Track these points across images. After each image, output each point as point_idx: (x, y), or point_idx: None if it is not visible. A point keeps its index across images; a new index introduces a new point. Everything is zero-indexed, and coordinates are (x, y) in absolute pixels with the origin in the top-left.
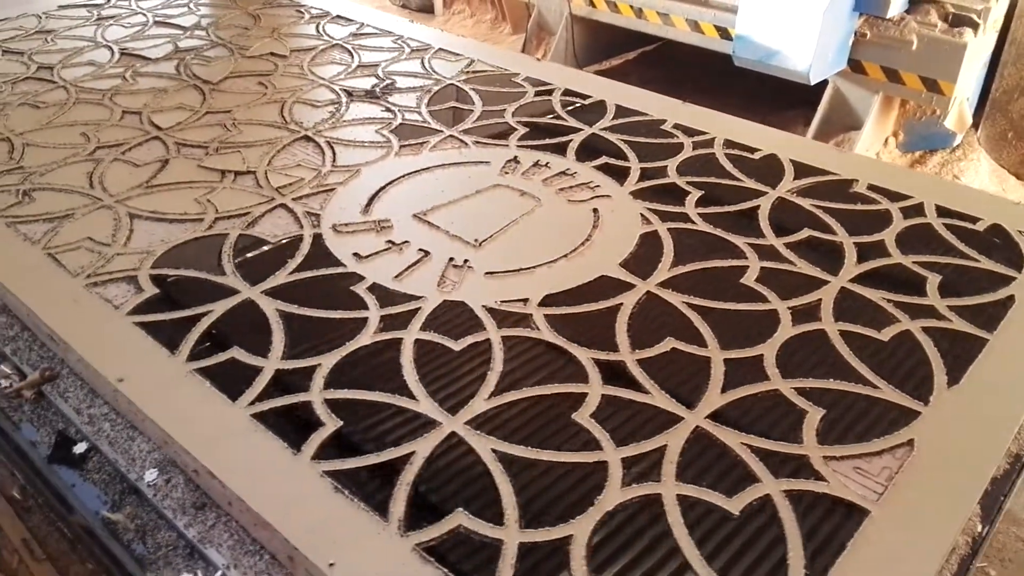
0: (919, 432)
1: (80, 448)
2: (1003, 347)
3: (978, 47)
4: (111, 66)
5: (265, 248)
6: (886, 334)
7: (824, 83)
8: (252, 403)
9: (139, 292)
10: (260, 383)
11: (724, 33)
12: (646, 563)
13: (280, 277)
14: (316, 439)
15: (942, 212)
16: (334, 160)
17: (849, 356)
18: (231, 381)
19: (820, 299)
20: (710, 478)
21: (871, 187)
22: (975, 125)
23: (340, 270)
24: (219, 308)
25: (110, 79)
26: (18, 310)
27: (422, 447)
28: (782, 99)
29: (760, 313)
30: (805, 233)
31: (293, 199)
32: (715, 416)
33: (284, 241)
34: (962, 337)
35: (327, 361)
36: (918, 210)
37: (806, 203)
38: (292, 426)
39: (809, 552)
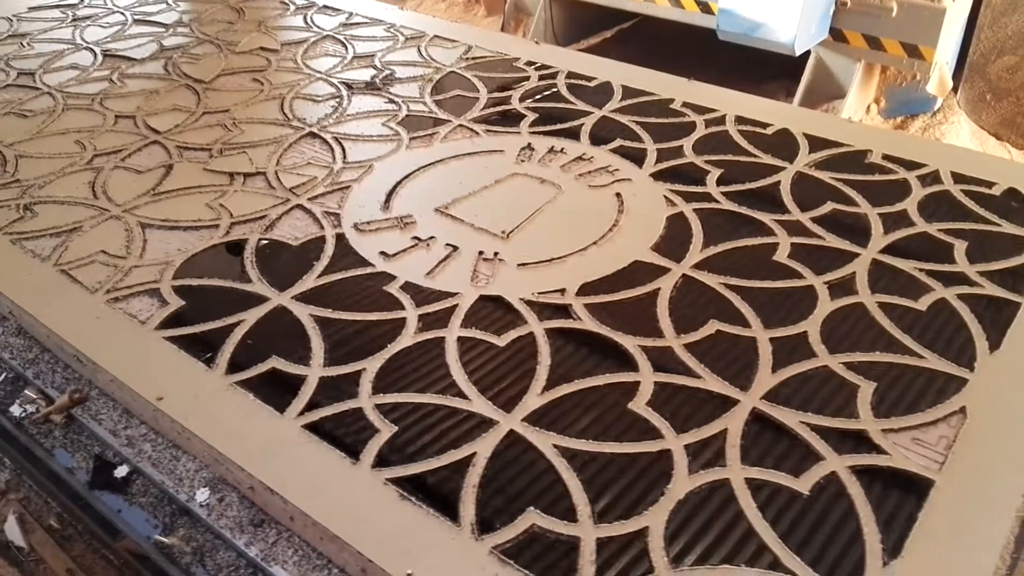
0: (970, 399)
1: (122, 471)
2: None
3: (956, 11)
4: (96, 69)
5: (288, 251)
6: (923, 303)
7: (806, 53)
8: (301, 413)
9: (164, 305)
10: (306, 392)
11: (705, 7)
12: (723, 549)
13: (308, 281)
14: (373, 446)
15: (958, 178)
16: (344, 156)
17: (891, 327)
18: (274, 392)
19: (854, 272)
20: (773, 459)
21: (886, 157)
22: (954, 88)
23: (369, 270)
24: (251, 317)
25: (96, 83)
26: (36, 331)
27: (482, 447)
28: (762, 70)
29: (797, 290)
30: (829, 207)
31: (309, 199)
32: (770, 396)
33: (306, 243)
34: (996, 302)
35: (371, 365)
36: (935, 178)
37: (825, 176)
38: (344, 434)
39: (881, 525)
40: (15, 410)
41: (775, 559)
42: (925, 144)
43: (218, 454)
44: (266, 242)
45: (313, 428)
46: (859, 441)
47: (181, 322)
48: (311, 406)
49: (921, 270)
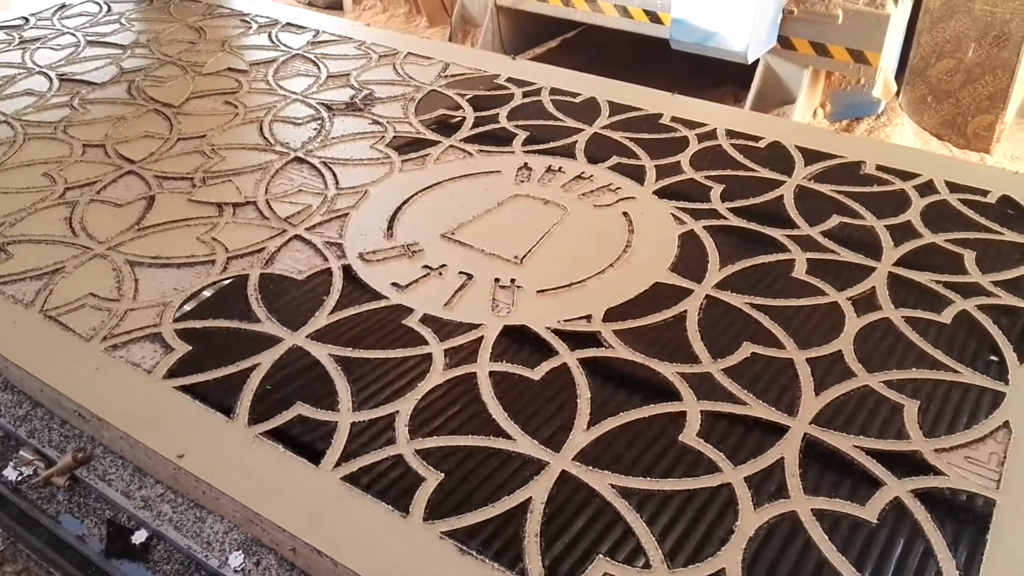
0: (1012, 413)
1: (140, 537)
2: None
3: (898, 17)
4: (53, 95)
5: (293, 286)
6: (946, 316)
7: (755, 61)
8: (338, 464)
9: (169, 351)
10: (339, 441)
11: (654, 17)
12: None
13: (321, 318)
14: (421, 497)
15: (953, 188)
16: (337, 182)
17: (920, 342)
18: (304, 442)
19: (874, 286)
20: (831, 485)
21: (879, 167)
22: (897, 92)
23: (384, 303)
24: (266, 360)
25: (56, 109)
26: (26, 385)
27: (537, 491)
28: (707, 78)
29: (821, 306)
30: (835, 220)
31: (307, 229)
32: (818, 420)
33: (312, 276)
34: (1015, 312)
35: (404, 407)
36: (930, 187)
37: (825, 189)
38: (388, 485)
39: (953, 548)
40: (9, 473)
41: None
42: (915, 154)
43: (252, 514)
44: (268, 276)
45: (353, 479)
46: (914, 463)
47: (190, 369)
48: (347, 455)
49: (937, 282)
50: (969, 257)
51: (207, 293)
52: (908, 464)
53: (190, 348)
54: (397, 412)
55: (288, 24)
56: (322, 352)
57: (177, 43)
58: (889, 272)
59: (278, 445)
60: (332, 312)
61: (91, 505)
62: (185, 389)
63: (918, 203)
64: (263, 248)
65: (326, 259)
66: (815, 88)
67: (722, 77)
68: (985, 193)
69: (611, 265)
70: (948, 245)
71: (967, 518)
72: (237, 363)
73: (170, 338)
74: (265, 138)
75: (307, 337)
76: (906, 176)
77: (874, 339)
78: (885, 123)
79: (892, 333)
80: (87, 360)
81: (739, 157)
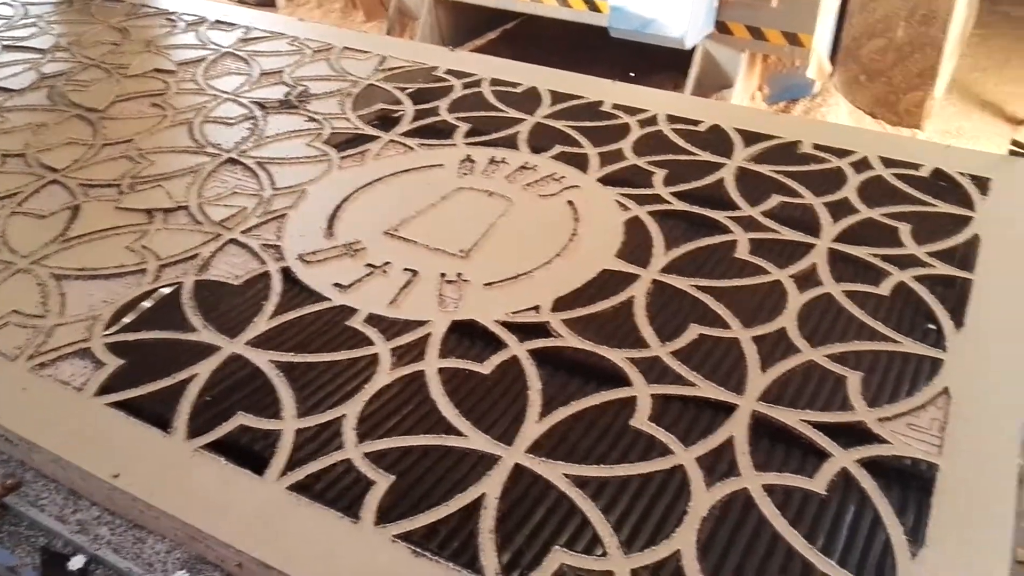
0: (950, 379)
1: (77, 563)
2: (988, 284)
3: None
4: None
5: (230, 292)
6: (885, 288)
7: (693, 47)
8: (284, 473)
9: (100, 367)
10: (284, 449)
11: (593, 6)
12: (754, 559)
13: (261, 323)
14: (372, 501)
15: (887, 163)
16: (273, 182)
17: (861, 315)
18: (247, 453)
19: (815, 263)
20: (781, 460)
21: (816, 146)
22: (831, 72)
23: (326, 305)
24: (203, 370)
25: None
26: None
27: (490, 487)
28: (646, 64)
29: (765, 285)
30: (776, 200)
31: (243, 232)
32: (766, 397)
33: (249, 281)
34: (949, 280)
35: (351, 410)
36: (865, 163)
37: (765, 169)
38: (337, 491)
39: (900, 514)
40: None
41: (807, 563)
42: (850, 131)
43: (194, 531)
44: (203, 283)
45: (300, 488)
46: (859, 433)
47: (123, 384)
48: (293, 464)
49: (875, 255)
50: (904, 230)
51: (139, 304)
52: (853, 435)
53: (122, 362)
54: (344, 416)
55: (217, 22)
56: (263, 359)
57: (100, 45)
58: (829, 248)
59: (220, 458)
60: (272, 317)
61: (23, 533)
62: (119, 405)
63: (854, 179)
64: (197, 254)
65: (264, 262)
66: (752, 71)
67: (661, 64)
68: (917, 167)
69: (558, 255)
70: (884, 219)
71: (912, 484)
72: (173, 375)
73: (101, 353)
74: (196, 140)
75: (246, 344)
76: (842, 154)
77: (816, 314)
78: (820, 103)
79: (833, 308)
80: (13, 381)
81: (680, 142)
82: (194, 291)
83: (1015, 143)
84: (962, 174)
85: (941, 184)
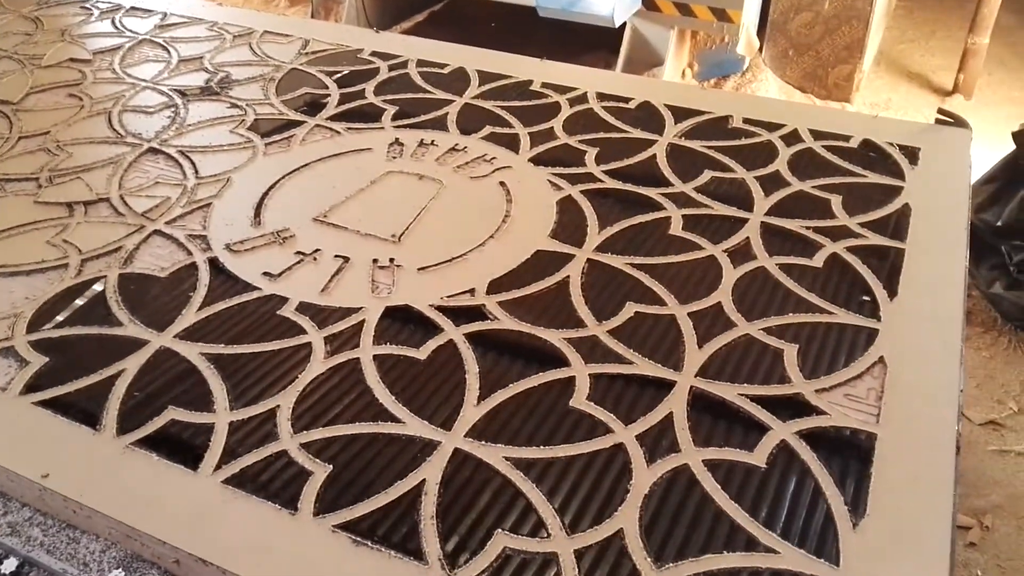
0: (885, 348)
1: (9, 566)
2: (920, 253)
3: None
4: None
5: (156, 284)
6: (818, 260)
7: (622, 24)
8: (218, 467)
9: (24, 365)
10: (217, 443)
11: None
12: (698, 536)
13: (189, 315)
14: (310, 491)
15: (817, 135)
16: (196, 171)
17: (796, 287)
18: (180, 447)
19: (748, 237)
20: (721, 435)
21: (746, 120)
22: (760, 48)
23: (256, 294)
24: (131, 365)
25: None
26: None
27: (431, 473)
28: (577, 44)
29: (700, 261)
30: (707, 175)
31: (167, 223)
32: (703, 372)
33: (176, 272)
34: (881, 250)
35: (285, 400)
36: (795, 136)
37: (696, 145)
38: (274, 483)
39: (840, 484)
40: None
41: (750, 537)
42: (779, 105)
43: (128, 529)
44: (128, 276)
45: (235, 481)
46: (797, 405)
47: (49, 382)
48: (227, 457)
49: (808, 228)
50: (836, 201)
51: (62, 300)
52: (792, 407)
53: (47, 360)
54: (278, 407)
55: (132, 8)
56: (192, 351)
57: (12, 36)
58: (761, 222)
59: (151, 454)
60: (200, 308)
61: None
62: (45, 404)
63: (784, 153)
64: (120, 247)
65: (190, 253)
66: (682, 49)
67: (591, 43)
68: (847, 139)
69: (491, 236)
70: (815, 191)
71: (851, 454)
72: (100, 371)
73: (24, 351)
74: (115, 130)
75: (175, 337)
76: (772, 127)
77: (752, 289)
78: (751, 79)
79: (768, 281)
80: None
81: (611, 119)
82: (119, 285)
83: (941, 111)
84: (891, 144)
85: (871, 155)
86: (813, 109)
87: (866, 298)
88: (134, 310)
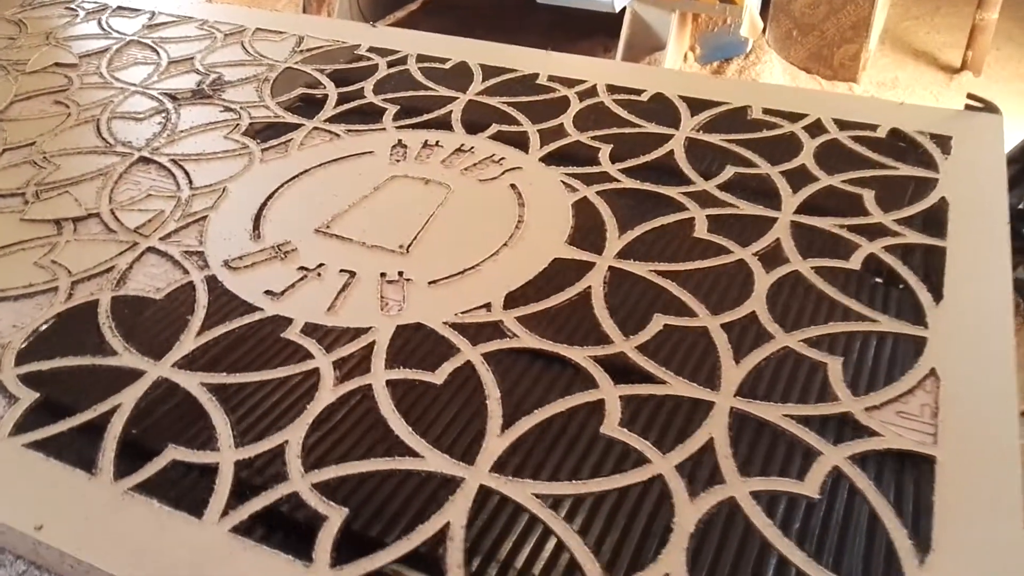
0: (935, 358)
1: None
2: (962, 251)
3: None
4: None
5: (152, 307)
6: (855, 261)
7: (622, 10)
8: (225, 514)
9: (13, 402)
10: (223, 485)
11: None
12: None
13: (187, 342)
14: (325, 539)
15: (842, 125)
16: (191, 182)
17: (834, 293)
18: (183, 492)
19: (778, 238)
20: (765, 460)
21: (766, 111)
22: (763, 29)
23: (258, 316)
24: (127, 399)
25: None
26: None
27: (455, 514)
28: (575, 31)
29: (729, 266)
30: (730, 171)
31: (161, 239)
32: (742, 391)
33: (172, 294)
34: (920, 249)
35: (294, 435)
36: (820, 127)
37: (715, 139)
38: (285, 530)
39: (902, 515)
40: None
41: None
42: (800, 93)
43: None
44: (122, 299)
45: (244, 530)
46: (848, 426)
47: (41, 420)
48: (234, 500)
49: (841, 226)
50: (868, 196)
51: (52, 327)
52: (841, 427)
53: (38, 395)
54: (286, 442)
55: (119, 8)
56: (192, 382)
57: None
58: (791, 221)
59: (152, 500)
60: (200, 333)
61: None
62: (37, 446)
63: (810, 145)
64: (112, 266)
65: (187, 271)
66: (683, 32)
67: (589, 29)
68: (874, 128)
69: (505, 244)
70: (845, 186)
71: (908, 479)
72: (94, 407)
73: (13, 386)
74: (104, 139)
75: (173, 366)
76: (794, 117)
77: (786, 295)
78: (754, 61)
79: (803, 286)
80: None
81: (623, 113)
82: (111, 308)
83: (971, 96)
84: (921, 133)
85: (900, 144)
86: (835, 97)
87: (909, 302)
88: (129, 336)
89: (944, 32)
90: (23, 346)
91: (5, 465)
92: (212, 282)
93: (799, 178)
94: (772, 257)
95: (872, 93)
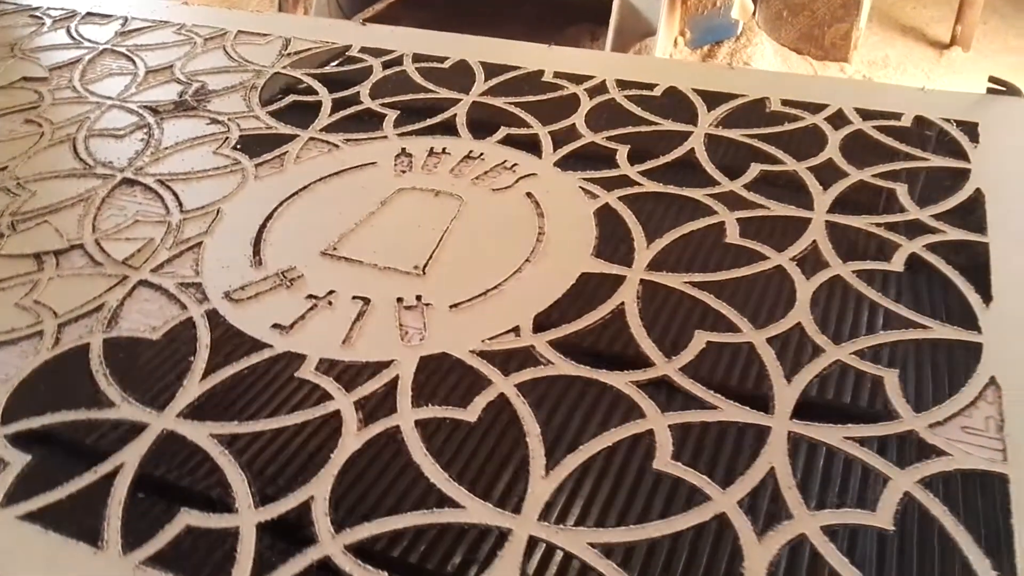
0: (993, 365)
1: None
2: (1005, 246)
3: None
4: None
5: (148, 349)
6: (897, 263)
7: None
8: None
9: (3, 467)
10: (245, 553)
11: None
12: None
13: (192, 387)
14: None
15: (864, 115)
16: (180, 204)
17: (879, 298)
18: (200, 561)
19: (814, 240)
20: (828, 489)
21: (785, 102)
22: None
23: (267, 354)
24: (130, 457)
25: None
26: None
27: (504, 571)
28: (560, 18)
29: (766, 273)
30: (756, 170)
31: (153, 270)
32: (798, 413)
33: (169, 333)
34: (964, 246)
35: (319, 490)
36: (842, 117)
37: (735, 134)
38: None
39: (978, 542)
40: None
41: None
42: (818, 83)
43: None
44: (115, 342)
45: None
46: (912, 445)
47: (35, 488)
48: (260, 571)
49: (877, 224)
50: (901, 191)
51: (40, 377)
52: (901, 446)
53: (29, 458)
54: (312, 498)
55: (89, 14)
56: (201, 433)
57: None
58: (825, 221)
59: (167, 575)
60: (204, 377)
61: None
62: (33, 517)
63: (834, 137)
64: (102, 304)
65: (184, 306)
66: (673, 16)
67: (576, 15)
68: (898, 116)
69: (527, 260)
70: (876, 180)
71: (979, 502)
72: (94, 468)
73: (1, 449)
74: (82, 160)
75: (178, 416)
76: (814, 109)
77: (830, 302)
78: (745, 44)
79: (847, 292)
80: None
81: (637, 110)
82: (104, 353)
83: (993, 79)
84: (947, 120)
85: (926, 133)
86: (854, 85)
87: (959, 304)
88: (126, 384)
89: (931, 7)
90: (9, 401)
91: None
92: (213, 317)
93: (827, 173)
94: (811, 261)
95: (864, 73)
